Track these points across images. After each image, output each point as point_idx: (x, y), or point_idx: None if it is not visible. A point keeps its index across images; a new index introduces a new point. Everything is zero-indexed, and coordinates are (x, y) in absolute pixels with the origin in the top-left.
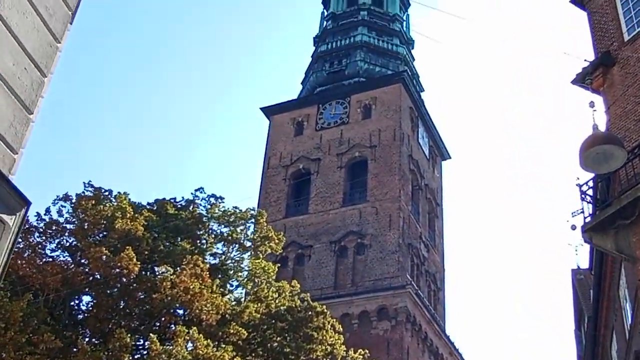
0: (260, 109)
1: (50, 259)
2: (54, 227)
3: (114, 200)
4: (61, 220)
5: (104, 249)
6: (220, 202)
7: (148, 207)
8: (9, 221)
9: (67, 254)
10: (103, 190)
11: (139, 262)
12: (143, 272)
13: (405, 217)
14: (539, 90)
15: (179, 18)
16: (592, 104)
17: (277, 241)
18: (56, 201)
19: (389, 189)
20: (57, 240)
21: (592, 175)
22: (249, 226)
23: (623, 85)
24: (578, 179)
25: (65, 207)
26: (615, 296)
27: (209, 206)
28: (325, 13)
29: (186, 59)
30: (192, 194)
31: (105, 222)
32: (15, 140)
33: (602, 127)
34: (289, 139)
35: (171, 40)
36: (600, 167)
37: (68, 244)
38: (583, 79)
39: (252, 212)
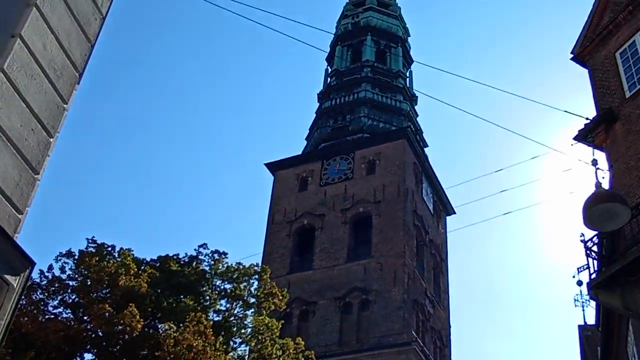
0: (265, 164)
1: (53, 316)
2: (56, 284)
3: (117, 256)
4: (64, 276)
5: (107, 305)
6: (224, 258)
7: (151, 263)
8: (13, 282)
9: (70, 311)
10: (106, 246)
11: (142, 319)
12: (146, 329)
13: (410, 273)
14: (541, 147)
15: (184, 72)
16: (594, 162)
17: (281, 297)
18: (59, 257)
19: (393, 245)
20: (59, 297)
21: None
22: (253, 282)
23: (626, 141)
24: (582, 235)
25: (68, 263)
26: (623, 353)
27: (213, 262)
28: (329, 70)
29: (190, 114)
30: (195, 249)
31: (108, 278)
32: (20, 200)
33: (606, 183)
34: (293, 195)
35: (175, 94)
36: (604, 224)
37: (71, 300)
38: (585, 136)
39: (256, 268)
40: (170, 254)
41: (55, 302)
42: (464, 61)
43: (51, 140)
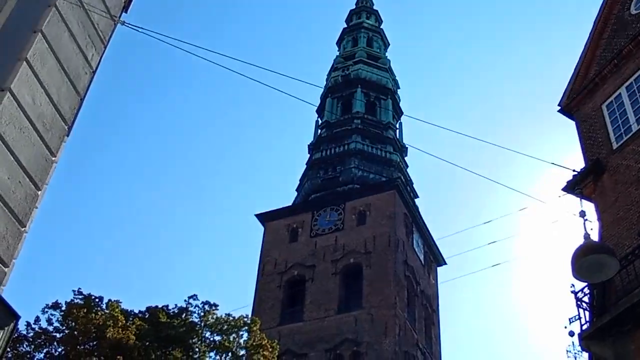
0: (255, 215)
1: None
2: (43, 337)
3: (105, 307)
4: (51, 329)
5: (94, 358)
6: (213, 309)
7: (140, 314)
8: None
9: None
10: (94, 298)
11: None
12: None
13: (401, 324)
14: (530, 198)
15: (175, 124)
16: (582, 214)
17: (271, 349)
18: (46, 309)
19: (384, 296)
20: (46, 350)
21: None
22: (243, 334)
23: (614, 192)
24: (573, 286)
25: (55, 315)
26: None
27: (203, 313)
28: (320, 121)
29: (180, 165)
30: (185, 300)
31: (96, 330)
32: (6, 253)
33: (595, 233)
34: (283, 246)
35: (165, 144)
36: (593, 276)
37: (57, 353)
38: (573, 188)
39: (246, 319)
40: (160, 305)
41: (42, 355)
42: (453, 113)
43: (39, 192)
